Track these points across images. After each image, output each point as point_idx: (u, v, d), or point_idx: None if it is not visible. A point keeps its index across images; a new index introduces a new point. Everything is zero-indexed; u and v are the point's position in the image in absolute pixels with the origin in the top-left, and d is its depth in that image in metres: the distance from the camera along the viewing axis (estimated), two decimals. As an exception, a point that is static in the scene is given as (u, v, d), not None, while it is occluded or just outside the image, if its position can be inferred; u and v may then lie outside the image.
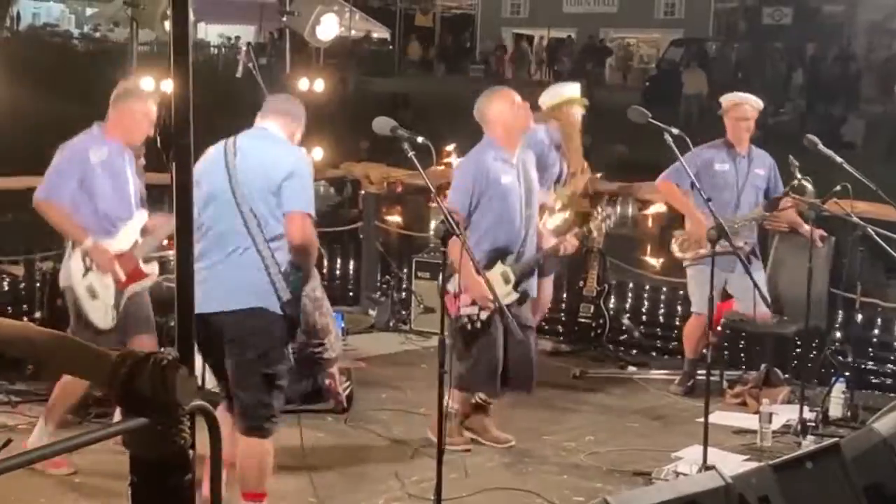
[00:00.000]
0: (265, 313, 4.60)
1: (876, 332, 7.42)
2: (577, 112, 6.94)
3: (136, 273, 5.49)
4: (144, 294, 5.60)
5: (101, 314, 5.42)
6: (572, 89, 7.07)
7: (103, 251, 5.37)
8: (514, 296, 5.74)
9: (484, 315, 5.65)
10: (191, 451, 2.35)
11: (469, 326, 5.67)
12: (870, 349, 7.38)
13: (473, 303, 5.62)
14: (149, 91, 5.47)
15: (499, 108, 5.80)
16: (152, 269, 5.64)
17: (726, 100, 7.03)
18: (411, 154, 4.59)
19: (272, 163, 4.64)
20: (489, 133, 5.82)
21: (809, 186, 6.49)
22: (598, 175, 7.50)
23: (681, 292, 7.84)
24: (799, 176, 6.46)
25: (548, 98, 6.95)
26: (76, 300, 5.40)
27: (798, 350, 7.33)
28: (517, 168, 5.81)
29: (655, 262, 8.18)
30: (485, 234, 5.71)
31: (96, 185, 5.35)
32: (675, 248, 6.97)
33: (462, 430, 6.00)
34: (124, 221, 5.48)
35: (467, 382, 5.77)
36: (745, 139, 6.93)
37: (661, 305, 8.30)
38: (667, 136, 5.94)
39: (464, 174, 5.82)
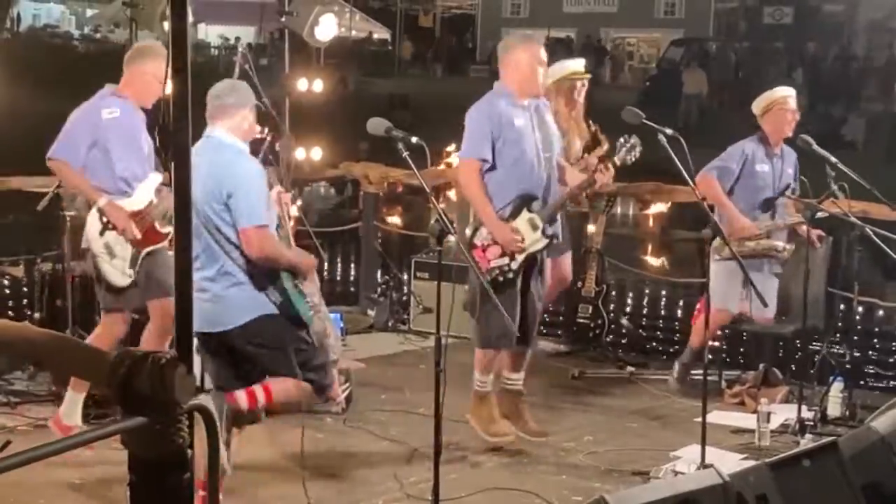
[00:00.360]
0: (261, 317, 4.66)
1: (874, 331, 7.43)
2: (581, 84, 7.01)
3: (151, 234, 5.50)
4: (164, 256, 5.56)
5: (119, 273, 5.45)
6: (576, 63, 7.15)
7: (118, 209, 5.40)
8: (544, 241, 5.71)
9: (515, 265, 5.60)
10: (189, 451, 2.36)
11: (501, 278, 5.61)
12: (868, 348, 7.39)
13: (503, 254, 5.58)
14: (161, 53, 5.45)
15: (521, 56, 5.72)
16: (169, 230, 5.57)
17: (771, 96, 6.91)
18: (406, 154, 4.60)
19: (217, 180, 4.61)
20: (503, 77, 5.76)
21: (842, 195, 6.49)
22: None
23: (681, 291, 7.86)
24: (835, 186, 6.41)
25: (552, 73, 6.82)
26: (94, 258, 5.42)
27: (796, 349, 7.33)
28: (529, 111, 5.74)
29: (656, 261, 8.20)
30: (505, 181, 5.64)
31: (110, 143, 5.38)
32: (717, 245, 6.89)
33: (498, 415, 5.90)
34: (139, 180, 5.50)
35: (489, 339, 5.74)
36: (788, 134, 6.90)
37: (661, 305, 8.30)
38: (661, 137, 5.94)
39: (476, 120, 5.70)
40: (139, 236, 5.44)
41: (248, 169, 4.73)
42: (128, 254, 5.44)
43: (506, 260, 5.59)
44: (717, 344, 7.40)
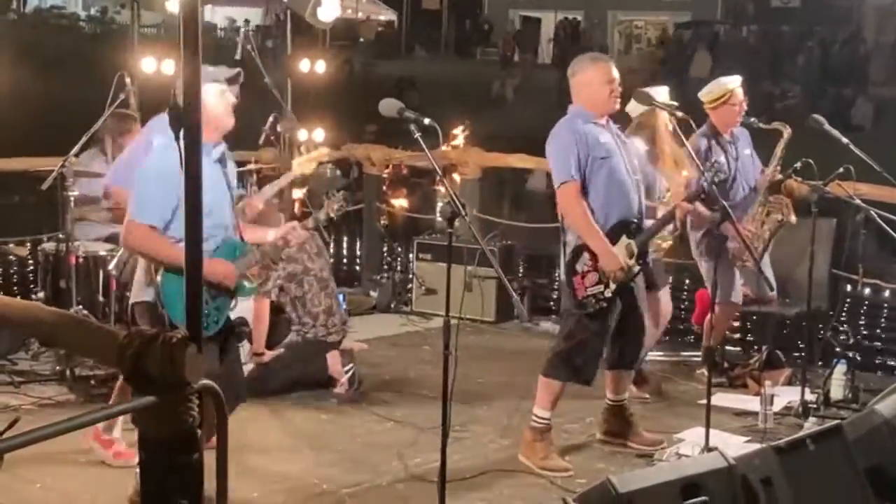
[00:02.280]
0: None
1: (878, 313, 7.43)
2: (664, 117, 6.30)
3: None
4: None
5: None
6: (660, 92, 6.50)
7: None
8: (637, 269, 5.55)
9: (608, 293, 5.43)
10: (198, 430, 2.37)
11: (595, 306, 5.45)
12: (871, 331, 7.40)
13: (599, 281, 5.43)
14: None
15: (591, 77, 5.50)
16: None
17: (718, 89, 6.73)
18: (418, 136, 4.59)
19: None
20: (575, 99, 5.57)
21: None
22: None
23: (682, 275, 7.85)
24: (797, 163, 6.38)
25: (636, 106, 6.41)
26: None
27: (800, 331, 7.33)
28: (610, 129, 5.59)
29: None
30: (599, 204, 5.44)
31: None
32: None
33: (553, 447, 5.61)
34: None
35: (564, 370, 5.51)
36: (737, 125, 6.75)
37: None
38: (671, 121, 5.94)
39: (560, 143, 5.45)
40: None
41: (151, 162, 4.77)
42: None
43: (601, 287, 5.43)
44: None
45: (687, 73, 25.58)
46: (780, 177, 6.60)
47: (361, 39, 31.34)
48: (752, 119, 6.69)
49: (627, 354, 5.76)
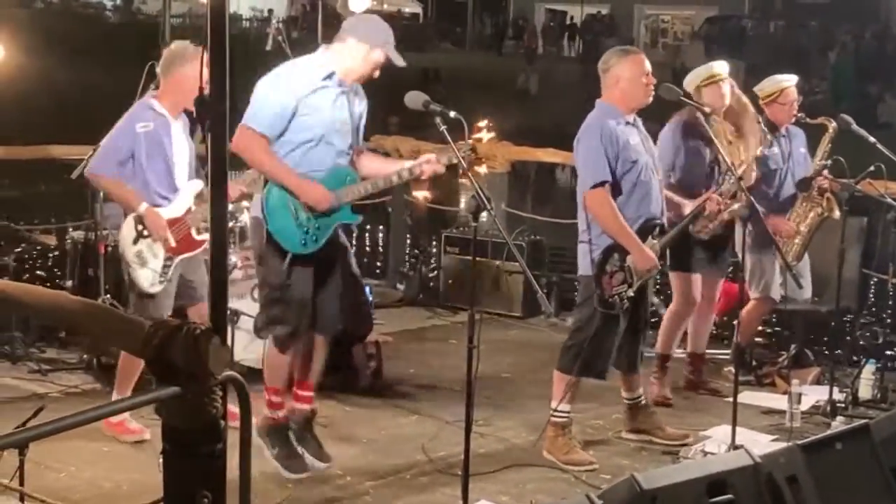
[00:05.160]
0: None
1: (908, 313, 7.37)
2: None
3: (187, 241, 5.52)
4: (199, 261, 5.61)
5: (149, 280, 5.47)
6: (719, 66, 6.42)
7: (157, 216, 5.42)
8: (658, 269, 5.58)
9: (631, 292, 5.42)
10: (222, 421, 2.37)
11: (622, 306, 5.42)
12: (901, 330, 7.33)
13: (624, 281, 5.40)
14: (198, 53, 5.40)
15: (623, 71, 5.43)
16: (205, 238, 5.60)
17: (770, 86, 6.69)
18: (443, 129, 4.58)
19: None
20: (606, 94, 5.50)
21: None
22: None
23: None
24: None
25: (691, 81, 6.39)
26: (127, 266, 5.45)
27: (829, 330, 7.27)
28: (638, 127, 5.54)
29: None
30: (626, 206, 5.42)
31: (143, 156, 5.41)
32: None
33: (576, 442, 5.60)
34: (166, 197, 5.50)
35: (576, 364, 5.49)
36: (790, 122, 6.71)
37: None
38: (699, 115, 5.91)
39: (591, 144, 5.39)
40: (174, 244, 5.45)
41: (273, 74, 4.96)
42: (160, 261, 5.46)
43: (624, 287, 5.42)
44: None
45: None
46: (818, 168, 6.56)
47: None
48: (800, 114, 6.62)
49: (628, 354, 5.73)
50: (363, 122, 5.17)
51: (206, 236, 5.60)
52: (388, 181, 5.11)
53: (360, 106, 5.12)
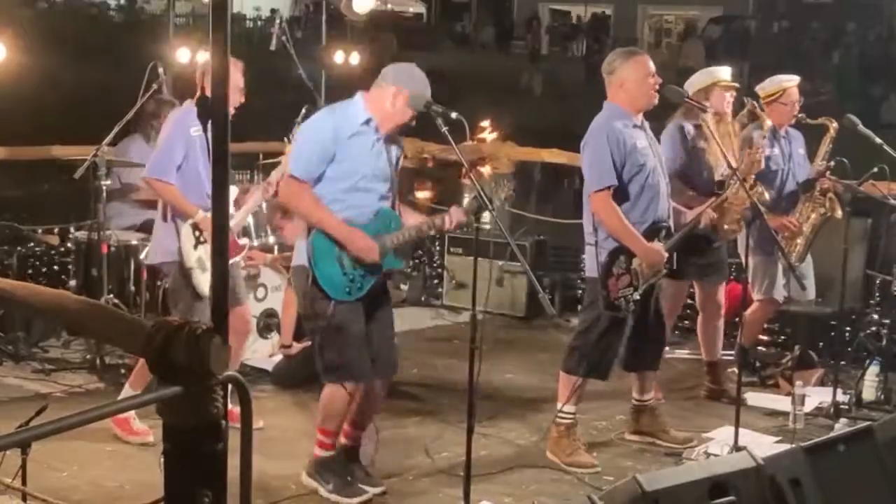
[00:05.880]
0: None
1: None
2: (730, 95, 6.37)
3: (234, 245, 5.64)
4: (237, 267, 5.76)
5: (208, 283, 5.51)
6: (723, 72, 6.46)
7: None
8: (665, 272, 5.58)
9: (637, 295, 5.42)
10: (223, 421, 2.36)
11: (627, 308, 5.43)
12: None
13: (630, 283, 5.40)
14: (236, 63, 5.46)
15: (628, 73, 5.40)
16: (245, 242, 5.91)
17: (772, 86, 6.65)
18: (445, 129, 4.58)
19: None
20: (611, 96, 5.47)
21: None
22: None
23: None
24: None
25: (695, 83, 6.38)
26: (189, 271, 5.48)
27: (832, 331, 7.26)
28: (645, 130, 5.52)
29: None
30: (633, 210, 5.42)
31: (198, 160, 5.45)
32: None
33: (579, 443, 5.60)
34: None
35: (580, 364, 5.50)
36: (790, 122, 6.68)
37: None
38: (703, 117, 5.90)
39: (597, 146, 5.37)
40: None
41: (307, 124, 5.06)
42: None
43: (630, 290, 5.42)
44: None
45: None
46: (821, 169, 6.54)
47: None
48: (801, 115, 6.61)
49: (649, 354, 5.74)
50: (398, 167, 5.06)
51: (245, 240, 5.99)
52: (421, 231, 5.11)
53: (397, 151, 5.03)
